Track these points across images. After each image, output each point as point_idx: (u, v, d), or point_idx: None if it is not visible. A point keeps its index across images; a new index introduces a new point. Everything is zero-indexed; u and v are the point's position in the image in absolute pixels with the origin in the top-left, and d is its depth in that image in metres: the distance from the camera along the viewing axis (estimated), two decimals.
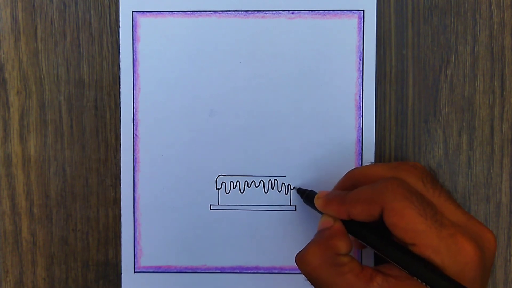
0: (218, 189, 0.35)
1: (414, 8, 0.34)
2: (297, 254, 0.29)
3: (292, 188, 0.33)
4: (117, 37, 0.35)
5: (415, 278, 0.26)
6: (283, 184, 0.35)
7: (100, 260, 0.35)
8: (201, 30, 0.34)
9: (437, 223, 0.26)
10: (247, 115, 0.34)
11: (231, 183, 0.35)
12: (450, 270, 0.25)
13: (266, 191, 0.35)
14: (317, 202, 0.30)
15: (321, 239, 0.28)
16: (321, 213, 0.31)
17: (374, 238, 0.28)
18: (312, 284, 0.28)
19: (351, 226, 0.29)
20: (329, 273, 0.27)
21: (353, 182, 0.30)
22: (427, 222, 0.25)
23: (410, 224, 0.26)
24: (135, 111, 0.35)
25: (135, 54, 0.35)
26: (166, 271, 0.35)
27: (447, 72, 0.35)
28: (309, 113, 0.34)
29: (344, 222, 0.29)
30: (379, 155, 0.35)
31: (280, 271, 0.35)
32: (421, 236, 0.25)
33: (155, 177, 0.35)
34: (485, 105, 0.35)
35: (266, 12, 0.34)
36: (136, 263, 0.35)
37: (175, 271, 0.35)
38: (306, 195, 0.33)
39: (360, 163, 0.34)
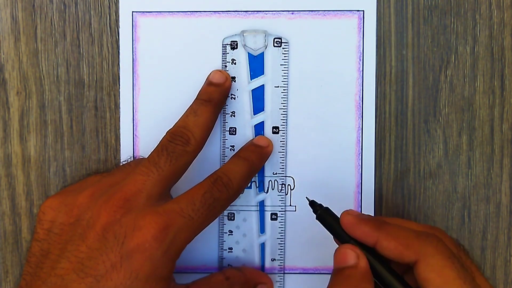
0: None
1: (414, 8, 0.34)
2: None
3: (308, 200, 0.30)
4: (117, 37, 0.35)
5: None
6: (283, 184, 0.35)
7: None
8: (201, 30, 0.34)
9: None
10: (247, 115, 0.34)
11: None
12: None
13: (266, 191, 0.35)
14: (346, 218, 0.28)
15: (351, 282, 0.26)
16: (336, 236, 0.29)
17: (400, 285, 0.26)
18: None
19: (375, 267, 0.27)
20: None
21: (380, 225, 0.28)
22: (464, 286, 0.25)
23: (447, 283, 0.25)
24: (135, 111, 0.35)
25: (135, 54, 0.35)
26: None
27: (447, 72, 0.35)
28: (309, 113, 0.34)
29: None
30: (379, 155, 0.35)
31: (280, 271, 0.35)
32: None
33: None
34: (485, 105, 0.35)
35: (266, 12, 0.34)
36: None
37: (175, 271, 0.35)
38: (321, 212, 0.29)
39: (360, 163, 0.34)
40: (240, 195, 0.35)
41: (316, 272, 0.35)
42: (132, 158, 0.35)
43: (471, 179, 0.35)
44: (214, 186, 0.29)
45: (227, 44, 0.34)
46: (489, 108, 0.35)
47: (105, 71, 0.35)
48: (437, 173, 0.35)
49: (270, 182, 0.35)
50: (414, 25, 0.34)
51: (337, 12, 0.34)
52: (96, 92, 0.35)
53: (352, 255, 0.27)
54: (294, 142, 0.35)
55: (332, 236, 0.29)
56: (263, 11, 0.34)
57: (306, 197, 0.31)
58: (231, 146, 0.34)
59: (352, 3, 0.34)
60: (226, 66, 0.34)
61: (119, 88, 0.35)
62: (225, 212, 0.35)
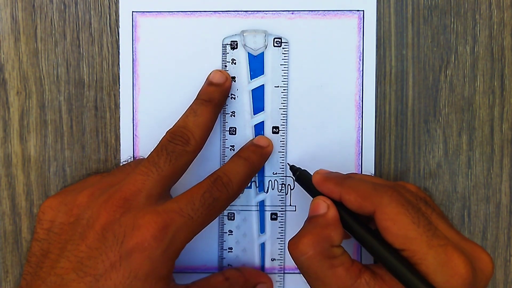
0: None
1: (414, 8, 0.34)
2: (291, 240, 0.28)
3: (289, 165, 0.33)
4: (117, 37, 0.35)
5: (399, 280, 0.26)
6: (283, 184, 0.35)
7: None
8: (201, 30, 0.34)
9: (429, 232, 0.26)
10: (247, 115, 0.34)
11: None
12: (436, 279, 0.25)
13: (266, 191, 0.35)
14: (315, 177, 0.30)
15: (316, 228, 0.28)
16: (311, 194, 0.31)
17: (364, 234, 0.28)
18: (302, 272, 0.28)
19: (344, 216, 0.29)
20: (322, 265, 0.27)
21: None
22: (419, 230, 0.26)
23: (402, 230, 0.26)
24: (135, 111, 0.35)
25: (135, 54, 0.35)
26: None
27: (447, 72, 0.35)
28: (309, 113, 0.34)
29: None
30: (379, 155, 0.35)
31: (280, 271, 0.35)
32: (411, 242, 0.26)
33: None
34: (485, 105, 0.35)
35: (266, 12, 0.34)
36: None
37: (175, 271, 0.35)
38: (299, 174, 0.32)
39: (360, 163, 0.34)
40: (240, 195, 0.35)
41: None
42: (132, 158, 0.35)
43: (471, 179, 0.35)
44: (214, 185, 0.29)
45: (227, 44, 0.34)
46: (489, 108, 0.35)
47: (105, 71, 0.35)
48: (437, 173, 0.35)
49: (270, 182, 0.35)
50: (414, 25, 0.35)
51: (337, 12, 0.34)
52: (96, 92, 0.35)
53: (323, 205, 0.29)
54: (294, 142, 0.35)
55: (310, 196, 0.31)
56: (263, 11, 0.34)
57: (287, 163, 0.33)
58: (231, 146, 0.34)
59: (352, 3, 0.34)
60: (226, 66, 0.34)
61: (119, 88, 0.35)
62: (225, 212, 0.35)
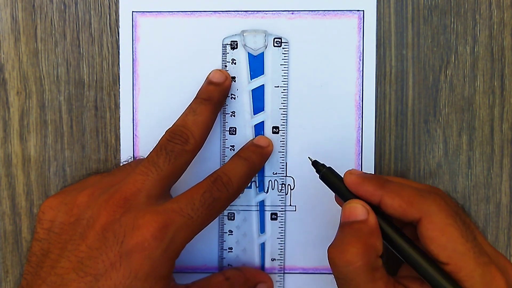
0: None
1: (414, 8, 0.34)
2: (333, 249, 0.26)
3: (311, 160, 0.30)
4: (117, 37, 0.35)
5: None
6: (283, 184, 0.35)
7: None
8: (201, 30, 0.34)
9: (476, 248, 0.25)
10: (247, 115, 0.34)
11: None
12: None
13: (266, 191, 0.35)
14: (349, 177, 0.28)
15: (361, 237, 0.26)
16: (340, 195, 0.29)
17: (404, 244, 0.26)
18: (339, 283, 0.26)
19: (381, 223, 0.27)
20: (366, 277, 0.25)
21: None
22: (467, 245, 0.25)
23: (451, 242, 0.25)
24: (135, 111, 0.35)
25: (135, 54, 0.35)
26: None
27: (447, 72, 0.35)
28: (309, 113, 0.34)
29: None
30: (379, 155, 0.35)
31: (280, 271, 0.35)
32: (458, 257, 0.25)
33: None
34: (485, 105, 0.35)
35: (266, 12, 0.34)
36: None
37: (175, 271, 0.35)
38: (325, 171, 0.29)
39: (360, 163, 0.34)
40: (240, 195, 0.35)
41: (316, 272, 0.35)
42: (132, 158, 0.35)
43: (471, 179, 0.35)
44: (214, 185, 0.29)
45: (227, 44, 0.34)
46: (489, 108, 0.35)
47: (105, 71, 0.35)
48: (437, 173, 0.35)
49: (270, 182, 0.35)
50: (414, 25, 0.35)
51: (337, 12, 0.34)
52: (96, 92, 0.35)
53: (363, 210, 0.27)
54: (294, 142, 0.35)
55: (334, 196, 0.29)
56: (263, 11, 0.34)
57: (309, 157, 0.31)
58: (231, 146, 0.34)
59: (352, 3, 0.34)
60: (226, 66, 0.34)
61: (119, 88, 0.35)
62: (225, 212, 0.35)
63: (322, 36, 0.34)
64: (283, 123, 0.34)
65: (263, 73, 0.34)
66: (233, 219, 0.35)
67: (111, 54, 0.35)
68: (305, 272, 0.35)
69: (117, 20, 0.35)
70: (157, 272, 0.27)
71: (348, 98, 0.34)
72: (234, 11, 0.34)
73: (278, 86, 0.34)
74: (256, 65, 0.34)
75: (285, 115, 0.34)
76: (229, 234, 0.35)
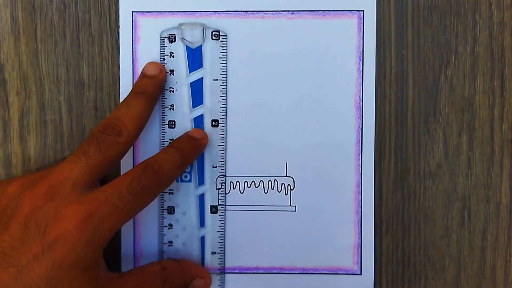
0: (218, 189, 0.35)
1: (414, 8, 0.34)
2: None
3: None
4: (117, 37, 0.35)
5: None
6: (283, 184, 0.35)
7: None
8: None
9: None
10: (246, 115, 0.34)
11: (231, 183, 0.35)
12: None
13: (266, 191, 0.35)
14: None
15: None
16: None
17: None
18: None
19: None
20: None
21: None
22: None
23: None
24: None
25: (135, 54, 0.35)
26: None
27: (447, 72, 0.35)
28: (309, 113, 0.34)
29: None
30: (379, 155, 0.35)
31: (280, 271, 0.35)
32: None
33: None
34: (485, 105, 0.35)
35: (266, 12, 0.34)
36: (136, 263, 0.35)
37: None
38: None
39: (360, 163, 0.34)
40: (180, 188, 0.34)
41: (316, 272, 0.35)
42: (132, 158, 0.35)
43: (471, 179, 0.35)
44: (143, 173, 0.29)
45: (165, 38, 0.34)
46: (489, 108, 0.35)
47: (105, 71, 0.35)
48: (437, 173, 0.35)
49: (270, 182, 0.35)
50: (414, 25, 0.35)
51: (337, 12, 0.34)
52: (96, 92, 0.35)
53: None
54: (294, 142, 0.35)
55: None
56: (263, 11, 0.34)
57: None
58: (170, 139, 0.34)
59: (352, 3, 0.34)
60: (164, 59, 0.34)
61: (119, 88, 0.35)
62: (165, 206, 0.34)
63: (322, 36, 0.34)
64: (223, 116, 0.34)
65: (201, 67, 0.34)
66: (173, 213, 0.34)
67: (111, 54, 0.35)
68: (305, 272, 0.35)
69: (117, 20, 0.35)
70: (82, 263, 0.26)
71: (348, 98, 0.34)
72: (234, 11, 0.34)
73: (217, 79, 0.34)
74: (195, 58, 0.34)
75: (224, 108, 0.34)
76: (168, 228, 0.35)
